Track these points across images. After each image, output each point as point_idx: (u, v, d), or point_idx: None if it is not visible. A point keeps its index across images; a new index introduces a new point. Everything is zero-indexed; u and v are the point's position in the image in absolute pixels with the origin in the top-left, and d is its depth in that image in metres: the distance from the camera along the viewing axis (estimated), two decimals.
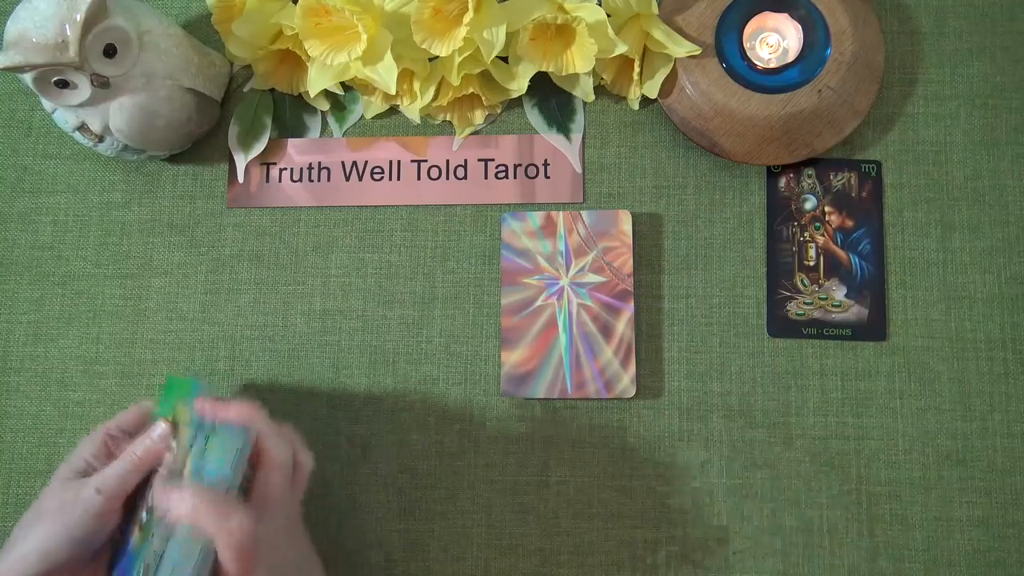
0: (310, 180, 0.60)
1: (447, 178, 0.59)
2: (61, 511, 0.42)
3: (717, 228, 0.57)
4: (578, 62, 0.54)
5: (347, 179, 0.60)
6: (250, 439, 0.44)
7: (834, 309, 0.56)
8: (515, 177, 0.59)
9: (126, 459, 0.43)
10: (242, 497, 0.44)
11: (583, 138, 0.59)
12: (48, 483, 0.44)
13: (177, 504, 0.40)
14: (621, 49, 0.54)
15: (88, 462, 0.45)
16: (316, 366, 0.58)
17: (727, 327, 0.56)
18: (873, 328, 0.55)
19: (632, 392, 0.54)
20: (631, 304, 0.55)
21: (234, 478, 0.43)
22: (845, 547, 0.54)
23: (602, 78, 0.57)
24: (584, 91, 0.58)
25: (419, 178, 0.59)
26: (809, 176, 0.57)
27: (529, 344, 0.55)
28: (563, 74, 0.55)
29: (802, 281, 0.56)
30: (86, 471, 0.44)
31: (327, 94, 0.60)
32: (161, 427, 0.45)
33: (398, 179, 0.59)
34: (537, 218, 0.57)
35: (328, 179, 0.60)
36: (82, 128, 0.54)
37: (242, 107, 0.61)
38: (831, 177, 0.57)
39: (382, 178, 0.59)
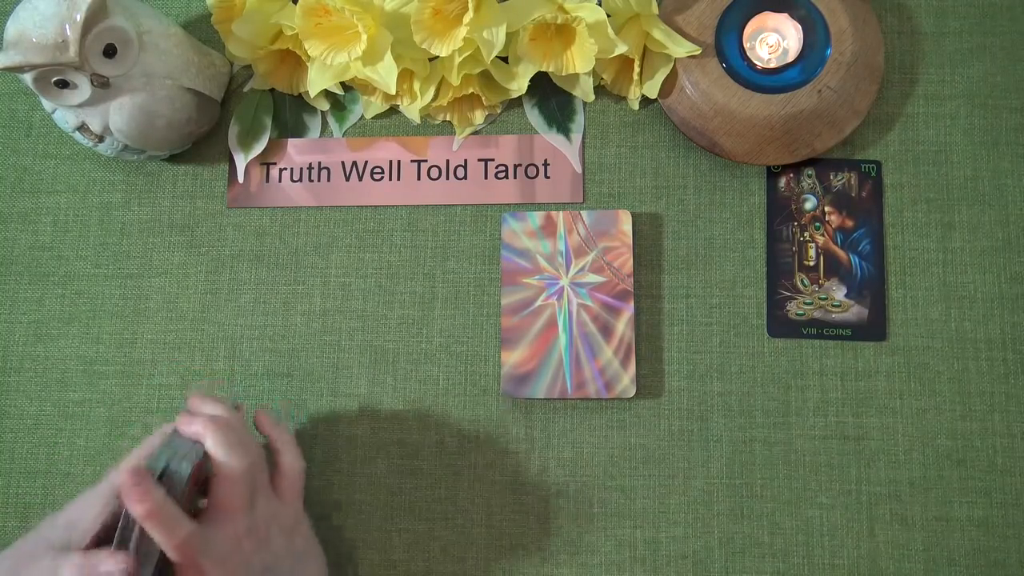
0: (310, 180, 0.60)
1: (447, 178, 0.59)
2: None
3: (717, 228, 0.57)
4: (578, 62, 0.54)
5: (347, 179, 0.60)
6: (199, 453, 0.45)
7: (834, 309, 0.56)
8: (515, 177, 0.59)
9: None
10: (195, 506, 0.46)
11: (583, 138, 0.59)
12: (43, 515, 0.45)
13: (133, 506, 0.41)
14: (621, 49, 0.54)
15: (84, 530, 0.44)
16: (316, 366, 0.58)
17: (727, 327, 0.56)
18: (873, 328, 0.55)
19: (632, 392, 0.54)
20: (631, 304, 0.55)
21: (184, 478, 0.43)
22: (845, 547, 0.54)
23: (602, 78, 0.57)
24: (584, 91, 0.58)
25: (419, 178, 0.59)
26: (809, 176, 0.57)
27: (529, 344, 0.55)
28: (563, 74, 0.55)
29: (802, 281, 0.56)
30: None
31: (327, 94, 0.60)
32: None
33: (398, 179, 0.59)
34: (537, 218, 0.56)
35: (328, 179, 0.60)
36: (82, 128, 0.54)
37: (242, 107, 0.61)
38: (831, 177, 0.57)
39: (382, 178, 0.59)
